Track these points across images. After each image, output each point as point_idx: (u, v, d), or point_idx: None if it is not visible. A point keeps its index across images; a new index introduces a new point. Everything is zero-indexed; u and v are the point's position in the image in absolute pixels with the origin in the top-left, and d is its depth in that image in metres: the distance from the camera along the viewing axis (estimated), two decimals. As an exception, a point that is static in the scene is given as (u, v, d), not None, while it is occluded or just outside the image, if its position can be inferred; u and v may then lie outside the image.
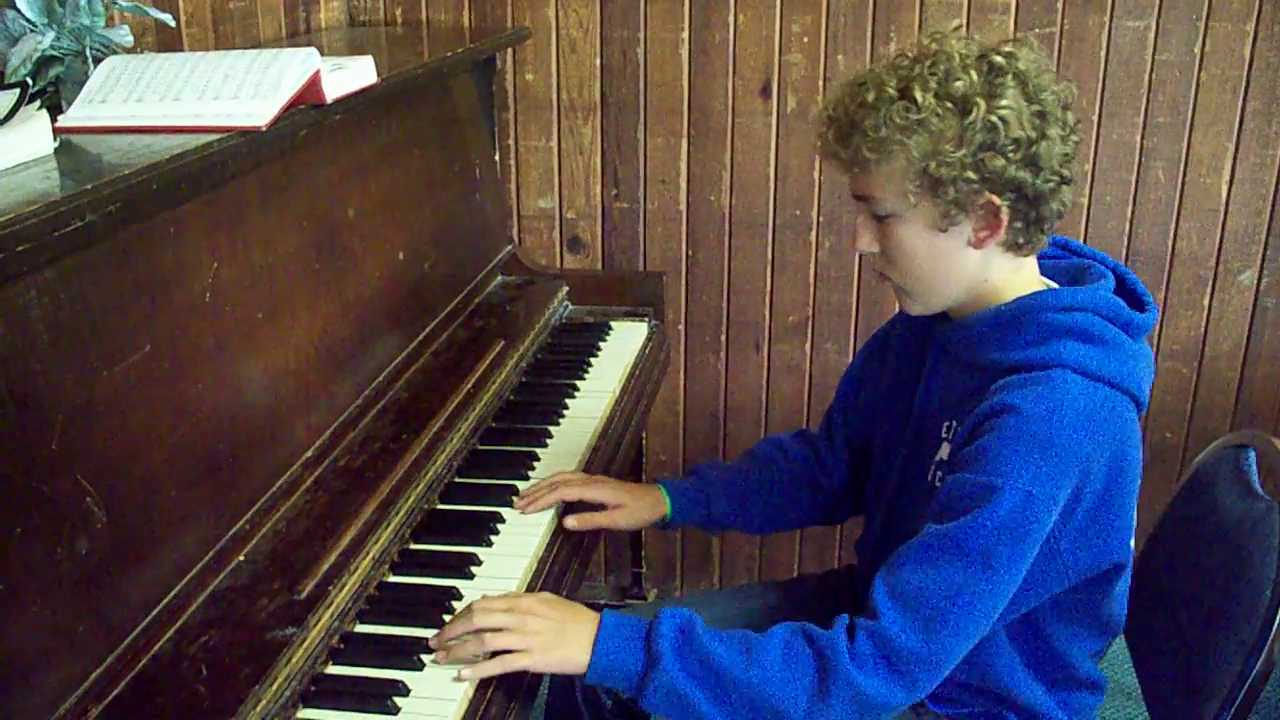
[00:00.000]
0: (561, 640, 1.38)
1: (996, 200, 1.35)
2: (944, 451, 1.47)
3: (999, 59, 1.34)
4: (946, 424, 1.48)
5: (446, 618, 1.43)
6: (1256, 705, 1.43)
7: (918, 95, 1.33)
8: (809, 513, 1.79)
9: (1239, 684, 1.42)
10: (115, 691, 1.19)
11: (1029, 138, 1.33)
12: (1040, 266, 1.49)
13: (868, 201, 1.41)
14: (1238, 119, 2.51)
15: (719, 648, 1.36)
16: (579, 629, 1.39)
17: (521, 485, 1.75)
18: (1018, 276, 1.44)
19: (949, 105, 1.32)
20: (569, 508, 1.71)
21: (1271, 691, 1.51)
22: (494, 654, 1.36)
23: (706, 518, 1.76)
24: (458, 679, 1.34)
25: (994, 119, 1.32)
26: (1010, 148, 1.33)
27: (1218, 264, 2.62)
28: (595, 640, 1.38)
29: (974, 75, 1.33)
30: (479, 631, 1.36)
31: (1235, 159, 2.54)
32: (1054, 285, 1.48)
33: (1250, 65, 2.47)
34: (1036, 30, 2.49)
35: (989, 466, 1.33)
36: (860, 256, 2.69)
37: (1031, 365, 1.38)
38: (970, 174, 1.33)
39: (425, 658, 1.37)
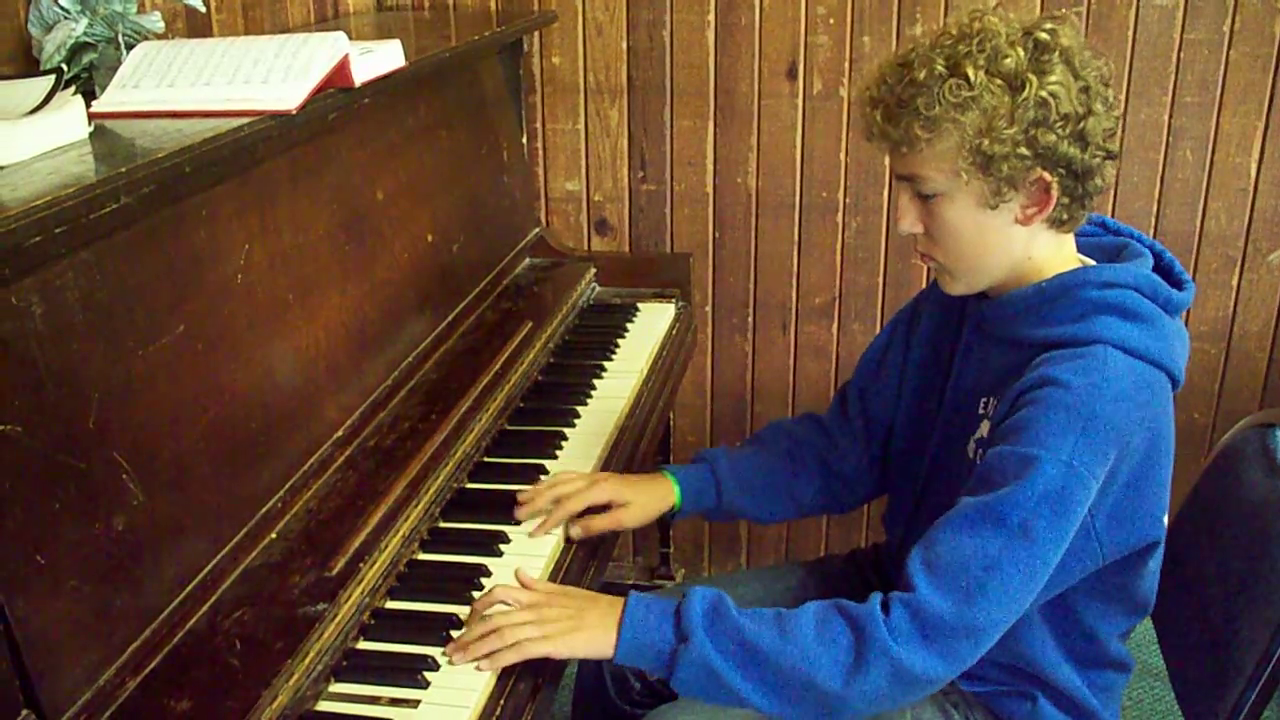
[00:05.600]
0: (582, 623, 1.37)
1: (1048, 176, 1.36)
2: (983, 429, 1.47)
3: (1044, 36, 1.35)
4: (984, 401, 1.48)
5: (476, 594, 1.45)
6: (1282, 684, 1.43)
7: (969, 72, 1.33)
8: (820, 497, 1.76)
9: (1264, 663, 1.42)
10: (151, 665, 1.22)
11: (1077, 113, 1.34)
12: (1078, 244, 1.49)
13: (913, 181, 1.41)
14: (1268, 97, 2.49)
15: (750, 623, 1.34)
16: (600, 611, 1.38)
17: (550, 465, 1.77)
18: (1058, 254, 1.45)
19: (1000, 82, 1.33)
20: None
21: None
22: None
23: (716, 506, 1.73)
24: (479, 668, 1.34)
25: (1045, 95, 1.32)
26: (1060, 124, 1.33)
27: (1246, 244, 2.60)
28: (622, 619, 1.37)
29: (1021, 52, 1.34)
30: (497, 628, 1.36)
31: (1265, 138, 2.52)
32: (1092, 263, 1.48)
33: (1281, 43, 2.46)
34: (1064, 10, 2.48)
35: (1029, 437, 1.32)
36: (887, 237, 2.70)
37: (1073, 341, 1.38)
38: (1023, 150, 1.33)
39: (454, 634, 1.39)
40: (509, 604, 1.40)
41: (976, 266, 1.45)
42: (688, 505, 1.72)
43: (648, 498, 1.69)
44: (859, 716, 1.35)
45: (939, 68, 1.34)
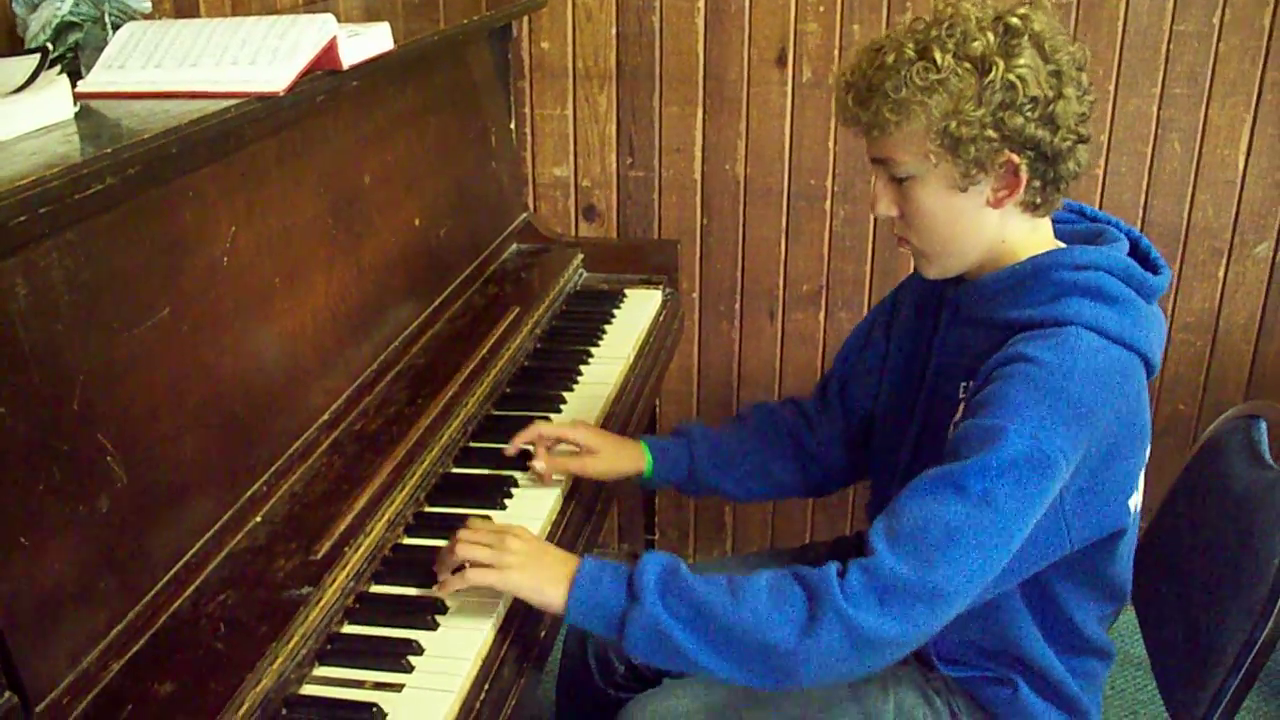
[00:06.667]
0: (538, 568, 1.38)
1: (1016, 159, 1.37)
2: (961, 412, 1.48)
3: (1014, 21, 1.36)
4: (963, 384, 1.48)
5: (461, 580, 1.45)
6: (1261, 674, 1.44)
7: (936, 56, 1.34)
8: (795, 480, 1.77)
9: (1245, 652, 1.43)
10: (136, 648, 1.21)
11: (1046, 96, 1.35)
12: (1055, 231, 1.50)
13: (887, 165, 1.42)
14: (1256, 89, 2.50)
15: (703, 587, 1.33)
16: (558, 564, 1.39)
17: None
18: (1033, 237, 1.46)
19: (967, 65, 1.34)
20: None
21: (1277, 660, 1.52)
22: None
23: (688, 478, 1.76)
24: (431, 592, 1.39)
25: (1012, 78, 1.34)
26: (1028, 106, 1.35)
27: (1233, 236, 2.61)
28: (575, 577, 1.36)
29: (990, 36, 1.35)
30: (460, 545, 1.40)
31: (1253, 130, 2.53)
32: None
33: (1270, 35, 2.46)
34: (1053, 0, 2.48)
35: (996, 410, 1.33)
36: (875, 226, 2.70)
37: (1045, 322, 1.39)
38: (990, 132, 1.34)
39: (439, 618, 1.39)
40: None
41: (950, 249, 1.46)
42: (659, 475, 1.75)
43: (618, 455, 1.74)
44: (815, 680, 1.33)
45: (908, 52, 1.36)
